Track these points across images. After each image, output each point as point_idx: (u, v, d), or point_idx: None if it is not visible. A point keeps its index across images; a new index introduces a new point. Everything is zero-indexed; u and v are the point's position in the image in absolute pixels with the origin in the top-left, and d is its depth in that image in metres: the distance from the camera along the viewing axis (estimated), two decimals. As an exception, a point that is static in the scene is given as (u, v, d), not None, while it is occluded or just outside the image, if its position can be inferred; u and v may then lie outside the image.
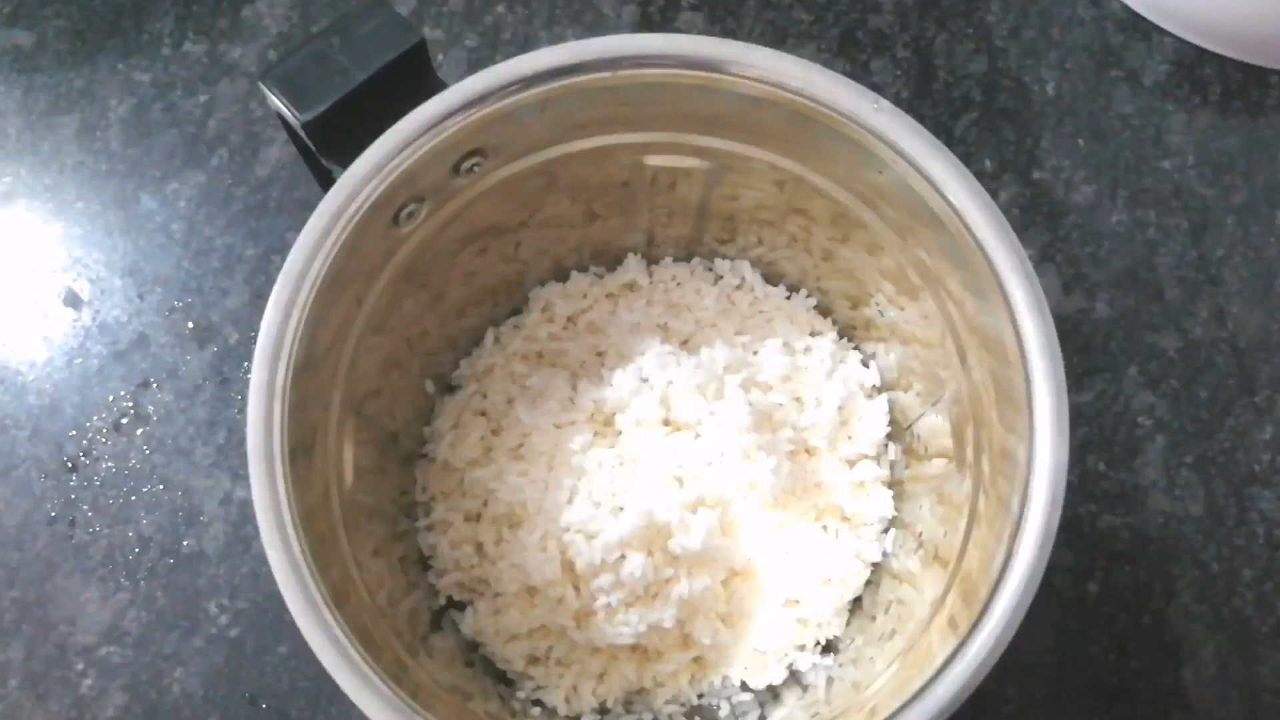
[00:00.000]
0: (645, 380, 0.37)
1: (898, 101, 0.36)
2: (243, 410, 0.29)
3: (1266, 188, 0.44)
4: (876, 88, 0.36)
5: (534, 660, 0.36)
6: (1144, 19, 0.47)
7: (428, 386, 0.38)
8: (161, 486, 0.41)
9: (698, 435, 0.36)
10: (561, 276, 0.40)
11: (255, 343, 0.29)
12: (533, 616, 0.36)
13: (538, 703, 0.36)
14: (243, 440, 0.29)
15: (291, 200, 0.44)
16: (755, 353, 0.39)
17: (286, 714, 0.39)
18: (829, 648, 0.37)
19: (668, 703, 0.36)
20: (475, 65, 0.45)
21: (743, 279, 0.40)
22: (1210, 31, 0.45)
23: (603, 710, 0.36)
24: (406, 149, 0.30)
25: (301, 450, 0.29)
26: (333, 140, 0.31)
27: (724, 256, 0.40)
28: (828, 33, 0.47)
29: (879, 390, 0.39)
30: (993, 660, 0.27)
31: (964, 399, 0.33)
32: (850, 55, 0.46)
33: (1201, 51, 0.46)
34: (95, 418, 0.42)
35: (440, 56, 0.46)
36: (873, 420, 0.38)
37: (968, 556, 0.31)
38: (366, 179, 0.30)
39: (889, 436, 0.38)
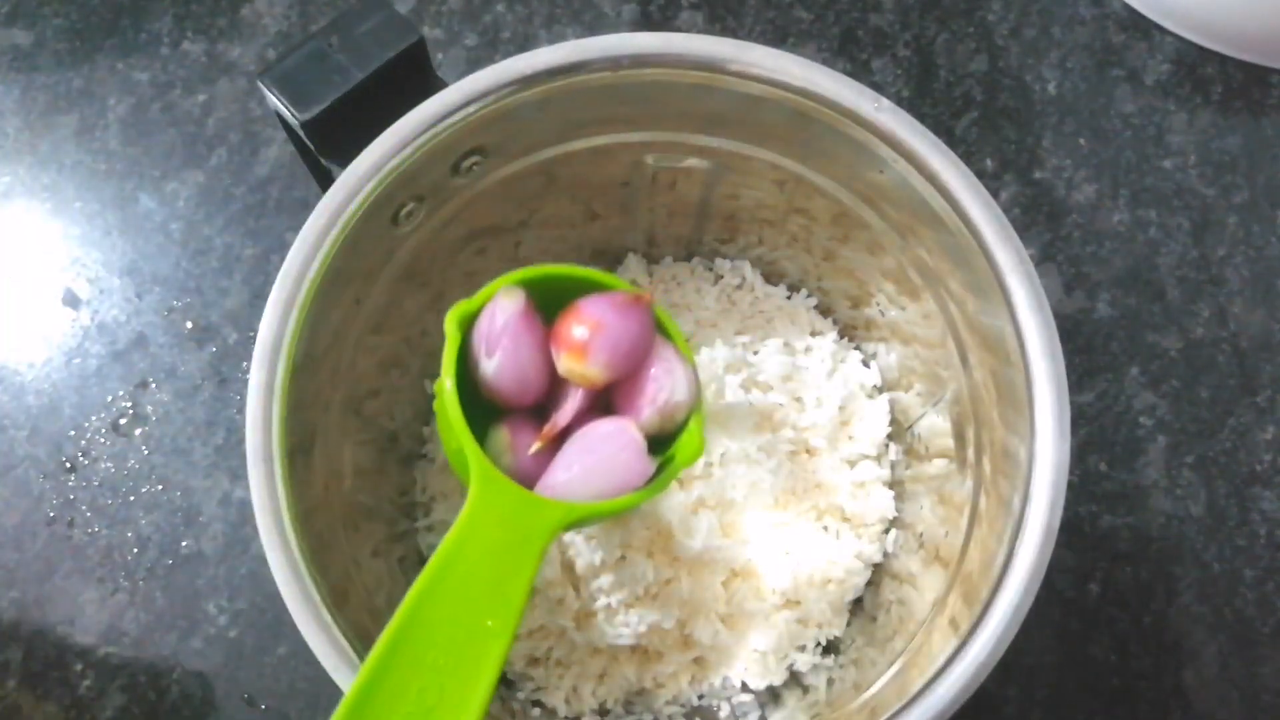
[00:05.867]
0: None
1: (898, 101, 0.36)
2: (242, 410, 0.28)
3: (1268, 187, 0.44)
4: (877, 87, 0.36)
5: (534, 661, 0.36)
6: (1145, 18, 0.47)
7: (427, 386, 0.38)
8: (160, 487, 0.41)
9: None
10: (561, 276, 0.40)
11: (254, 343, 0.29)
12: (533, 617, 0.36)
13: (538, 703, 0.36)
14: (242, 440, 0.28)
15: (291, 200, 0.44)
16: (755, 353, 0.38)
17: (286, 714, 0.39)
18: (829, 648, 0.37)
19: (668, 703, 0.36)
20: (475, 64, 0.45)
21: (743, 279, 0.40)
22: (1211, 30, 0.45)
23: (603, 711, 0.36)
24: (406, 148, 0.30)
25: (301, 450, 0.29)
26: (332, 140, 0.31)
27: (724, 256, 0.40)
28: (828, 32, 0.46)
29: (879, 390, 0.39)
30: (993, 660, 0.27)
31: (965, 399, 0.33)
32: (851, 54, 0.46)
33: (1203, 50, 0.46)
34: (94, 417, 0.42)
35: (440, 56, 0.46)
36: (873, 420, 0.38)
37: (969, 557, 0.31)
38: (366, 178, 0.30)
39: (890, 436, 0.38)
